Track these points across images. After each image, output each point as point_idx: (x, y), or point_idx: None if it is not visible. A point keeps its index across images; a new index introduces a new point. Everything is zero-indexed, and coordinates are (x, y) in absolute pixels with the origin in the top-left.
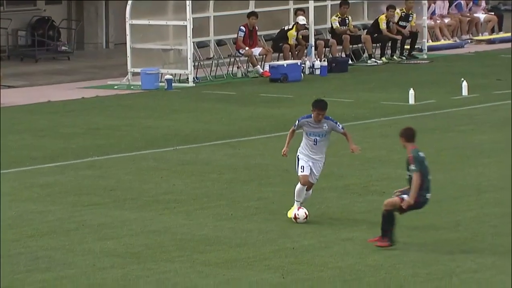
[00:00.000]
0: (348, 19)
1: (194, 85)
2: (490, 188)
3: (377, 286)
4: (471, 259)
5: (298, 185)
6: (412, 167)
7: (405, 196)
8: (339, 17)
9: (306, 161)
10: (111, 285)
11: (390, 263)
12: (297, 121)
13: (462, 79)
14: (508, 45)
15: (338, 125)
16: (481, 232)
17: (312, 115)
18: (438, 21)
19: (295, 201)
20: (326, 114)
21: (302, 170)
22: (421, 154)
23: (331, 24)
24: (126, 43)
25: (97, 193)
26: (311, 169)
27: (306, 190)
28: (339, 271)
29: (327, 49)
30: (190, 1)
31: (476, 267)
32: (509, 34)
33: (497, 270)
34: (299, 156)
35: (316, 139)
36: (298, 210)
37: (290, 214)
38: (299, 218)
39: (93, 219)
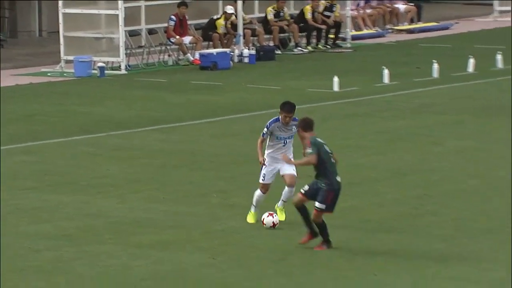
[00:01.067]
0: (283, 11)
1: (126, 72)
2: (409, 171)
3: (303, 265)
4: (392, 238)
5: (258, 191)
6: (309, 150)
7: (305, 187)
8: (274, 10)
9: (272, 169)
10: (46, 267)
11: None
12: (265, 128)
13: (384, 67)
14: (426, 34)
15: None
16: (401, 212)
17: (280, 117)
18: (361, 12)
19: (252, 206)
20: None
21: (263, 179)
22: (320, 140)
23: (266, 15)
24: (59, 32)
25: (32, 178)
26: (279, 170)
27: (288, 187)
28: (267, 252)
29: (254, 38)
30: None
31: (396, 245)
32: (427, 24)
33: (415, 247)
34: (265, 161)
35: (286, 140)
36: (268, 216)
37: (249, 219)
38: (265, 225)
39: (28, 203)
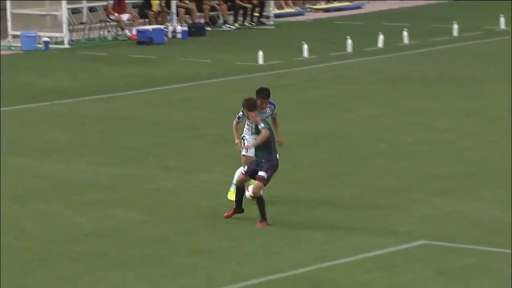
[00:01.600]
0: None
1: (69, 47)
2: (325, 137)
3: (230, 221)
4: (311, 195)
5: (240, 168)
6: (262, 124)
7: (245, 168)
8: None
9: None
10: None
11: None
12: (241, 112)
13: (303, 42)
14: (341, 13)
15: (275, 111)
16: (317, 174)
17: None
18: None
19: (233, 184)
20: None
21: (246, 152)
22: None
23: None
24: (6, 9)
25: None
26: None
27: None
28: (198, 210)
29: (187, 15)
30: None
31: (313, 202)
32: (342, 4)
33: (331, 206)
34: (244, 138)
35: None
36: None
37: (230, 196)
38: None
39: None
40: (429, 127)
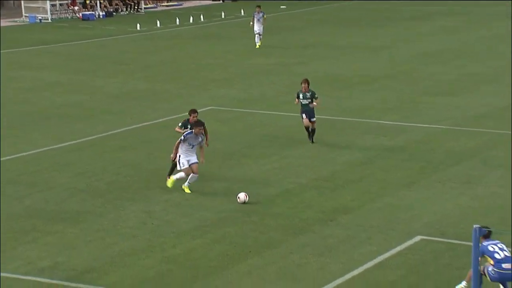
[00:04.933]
0: None
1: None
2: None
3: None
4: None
5: (181, 174)
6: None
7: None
8: None
9: (185, 159)
10: None
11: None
12: (182, 137)
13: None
14: (171, 8)
15: (203, 140)
16: None
17: (194, 131)
18: None
19: (176, 179)
20: None
21: (183, 165)
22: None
23: None
24: None
25: None
26: (189, 161)
27: (193, 173)
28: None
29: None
30: None
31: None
32: (170, 3)
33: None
34: (180, 157)
35: (194, 145)
36: (241, 194)
37: (168, 183)
38: (239, 198)
39: None
40: None
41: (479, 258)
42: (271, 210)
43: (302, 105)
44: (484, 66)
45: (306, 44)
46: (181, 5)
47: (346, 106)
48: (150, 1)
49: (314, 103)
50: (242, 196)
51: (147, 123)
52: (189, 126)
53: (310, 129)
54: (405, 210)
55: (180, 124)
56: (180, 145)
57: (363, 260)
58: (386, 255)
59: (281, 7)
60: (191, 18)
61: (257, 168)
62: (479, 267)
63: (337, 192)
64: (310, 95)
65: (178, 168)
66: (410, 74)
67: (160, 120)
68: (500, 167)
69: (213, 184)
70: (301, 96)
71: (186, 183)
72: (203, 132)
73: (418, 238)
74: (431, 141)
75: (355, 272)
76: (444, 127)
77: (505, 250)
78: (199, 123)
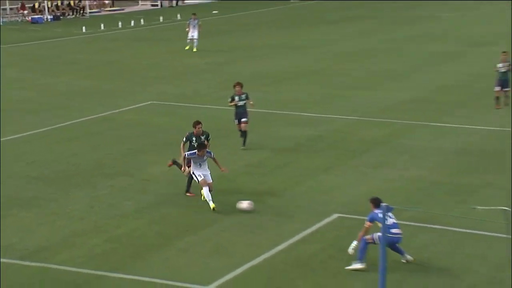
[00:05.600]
0: None
1: None
2: None
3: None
4: None
5: (205, 190)
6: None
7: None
8: None
9: (201, 173)
10: None
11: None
12: (186, 154)
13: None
14: (117, 12)
15: (212, 154)
16: None
17: (196, 152)
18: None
19: (209, 200)
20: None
21: (200, 177)
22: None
23: None
24: None
25: None
26: (205, 176)
27: (210, 190)
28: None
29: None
30: None
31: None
32: (115, 7)
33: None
34: (194, 172)
35: (201, 163)
36: (243, 202)
37: (202, 198)
38: (242, 204)
39: None
40: None
41: (367, 225)
42: None
43: (238, 106)
44: (393, 64)
45: (237, 45)
46: (123, 10)
47: (273, 99)
48: (94, 6)
49: (251, 102)
50: (245, 204)
51: (92, 116)
52: (194, 139)
53: (242, 130)
54: (324, 192)
55: (184, 139)
56: (191, 160)
57: (288, 236)
58: (308, 231)
59: (213, 12)
60: (132, 22)
61: None
62: (366, 237)
63: (266, 177)
64: (245, 97)
65: (196, 181)
66: (328, 71)
67: (104, 114)
68: (406, 153)
69: (154, 170)
70: (236, 98)
71: (210, 203)
72: (207, 150)
73: (335, 216)
74: (347, 131)
75: (281, 246)
76: (357, 118)
77: (392, 218)
78: (202, 146)
